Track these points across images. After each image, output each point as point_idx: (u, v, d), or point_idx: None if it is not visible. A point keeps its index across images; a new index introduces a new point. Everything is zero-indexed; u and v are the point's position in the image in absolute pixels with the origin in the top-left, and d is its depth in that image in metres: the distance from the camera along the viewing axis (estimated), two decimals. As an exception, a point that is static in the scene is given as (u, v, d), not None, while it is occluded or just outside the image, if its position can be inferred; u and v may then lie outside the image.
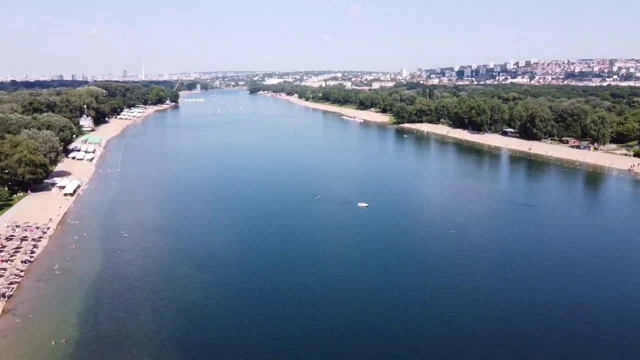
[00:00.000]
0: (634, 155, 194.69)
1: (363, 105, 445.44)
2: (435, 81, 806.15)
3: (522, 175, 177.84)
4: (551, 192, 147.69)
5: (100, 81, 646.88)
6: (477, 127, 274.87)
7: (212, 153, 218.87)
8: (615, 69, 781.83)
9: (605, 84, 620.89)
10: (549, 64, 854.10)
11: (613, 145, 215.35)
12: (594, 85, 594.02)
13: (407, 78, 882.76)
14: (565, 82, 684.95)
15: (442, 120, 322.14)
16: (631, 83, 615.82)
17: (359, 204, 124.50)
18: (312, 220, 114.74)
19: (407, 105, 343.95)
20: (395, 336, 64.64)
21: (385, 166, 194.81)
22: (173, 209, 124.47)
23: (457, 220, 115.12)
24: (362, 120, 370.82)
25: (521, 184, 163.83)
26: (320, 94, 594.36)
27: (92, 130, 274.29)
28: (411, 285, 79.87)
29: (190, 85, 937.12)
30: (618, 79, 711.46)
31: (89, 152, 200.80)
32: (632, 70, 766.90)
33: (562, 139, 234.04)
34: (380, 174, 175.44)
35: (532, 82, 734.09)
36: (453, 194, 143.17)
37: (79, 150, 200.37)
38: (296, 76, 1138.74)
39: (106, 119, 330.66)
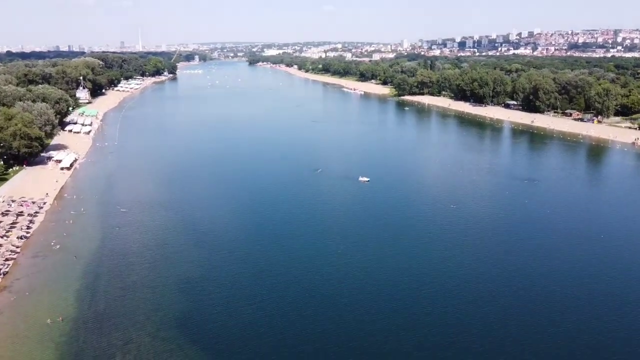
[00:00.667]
0: (638, 128, 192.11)
1: (363, 77, 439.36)
2: (437, 52, 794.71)
3: (524, 148, 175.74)
4: (554, 167, 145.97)
5: (97, 52, 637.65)
6: (479, 100, 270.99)
7: (211, 126, 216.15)
8: (619, 39, 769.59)
9: (609, 55, 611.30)
10: (552, 34, 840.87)
11: (617, 118, 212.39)
12: (597, 56, 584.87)
13: (408, 49, 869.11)
14: (568, 53, 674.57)
15: (443, 92, 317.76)
16: (635, 54, 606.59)
17: (360, 179, 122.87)
18: (313, 195, 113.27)
19: (408, 77, 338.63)
20: (395, 311, 63.89)
21: (386, 139, 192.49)
22: (172, 184, 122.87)
23: (459, 195, 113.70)
24: (362, 93, 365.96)
25: (523, 157, 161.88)
26: (320, 66, 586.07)
27: (89, 102, 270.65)
28: (412, 261, 78.83)
29: (189, 57, 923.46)
30: (622, 49, 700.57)
31: (86, 125, 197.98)
32: (636, 41, 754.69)
33: (566, 111, 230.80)
34: (382, 148, 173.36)
35: (535, 53, 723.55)
36: (454, 168, 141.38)
37: (75, 123, 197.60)
38: (296, 47, 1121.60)
39: (103, 91, 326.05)
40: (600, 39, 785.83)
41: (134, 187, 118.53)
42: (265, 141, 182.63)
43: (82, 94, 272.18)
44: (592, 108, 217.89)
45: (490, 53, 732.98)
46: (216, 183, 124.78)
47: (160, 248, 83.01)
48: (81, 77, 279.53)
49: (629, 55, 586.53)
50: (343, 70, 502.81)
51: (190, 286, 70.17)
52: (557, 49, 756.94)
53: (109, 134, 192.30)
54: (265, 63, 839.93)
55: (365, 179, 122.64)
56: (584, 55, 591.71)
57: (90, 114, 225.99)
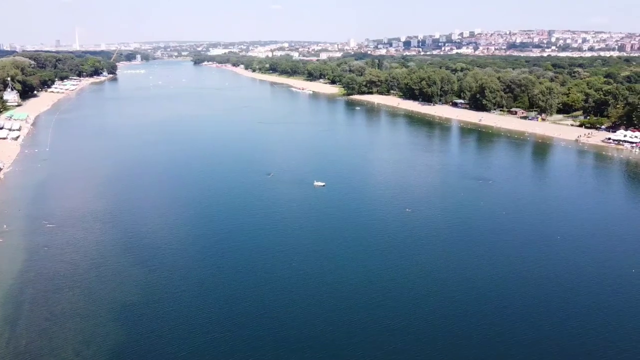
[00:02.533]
0: (580, 126, 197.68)
1: (311, 76, 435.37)
2: (383, 51, 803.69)
3: (474, 147, 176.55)
4: (505, 165, 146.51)
5: (29, 51, 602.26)
6: (427, 99, 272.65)
7: (154, 129, 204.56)
8: (553, 39, 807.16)
9: (545, 54, 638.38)
10: (492, 34, 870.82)
11: (559, 116, 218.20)
12: (535, 55, 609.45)
13: (354, 48, 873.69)
14: (507, 53, 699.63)
15: (392, 91, 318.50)
16: (568, 53, 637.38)
17: (316, 183, 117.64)
18: (267, 203, 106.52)
19: (357, 77, 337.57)
20: (353, 323, 59.11)
21: (338, 141, 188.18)
22: (110, 194, 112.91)
23: (414, 198, 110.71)
24: (311, 92, 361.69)
25: (474, 156, 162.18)
26: (267, 65, 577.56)
27: (19, 105, 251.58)
28: (371, 272, 74.38)
29: (130, 56, 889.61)
30: (556, 49, 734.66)
31: (14, 130, 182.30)
32: (568, 41, 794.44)
33: (511, 109, 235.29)
34: (334, 150, 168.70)
35: (477, 52, 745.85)
36: (408, 169, 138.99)
37: (1, 128, 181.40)
38: (242, 47, 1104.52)
39: (35, 92, 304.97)
40: (536, 39, 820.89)
41: (66, 199, 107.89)
42: (213, 145, 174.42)
43: (10, 96, 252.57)
44: (535, 106, 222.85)
45: (434, 52, 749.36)
46: (159, 191, 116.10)
47: (94, 269, 74.41)
48: (9, 78, 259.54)
49: (562, 54, 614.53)
50: (291, 69, 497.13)
51: (127, 313, 62.48)
52: (497, 49, 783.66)
53: (40, 139, 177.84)
54: (210, 63, 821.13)
55: (321, 183, 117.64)
56: (522, 55, 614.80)
57: (19, 117, 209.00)
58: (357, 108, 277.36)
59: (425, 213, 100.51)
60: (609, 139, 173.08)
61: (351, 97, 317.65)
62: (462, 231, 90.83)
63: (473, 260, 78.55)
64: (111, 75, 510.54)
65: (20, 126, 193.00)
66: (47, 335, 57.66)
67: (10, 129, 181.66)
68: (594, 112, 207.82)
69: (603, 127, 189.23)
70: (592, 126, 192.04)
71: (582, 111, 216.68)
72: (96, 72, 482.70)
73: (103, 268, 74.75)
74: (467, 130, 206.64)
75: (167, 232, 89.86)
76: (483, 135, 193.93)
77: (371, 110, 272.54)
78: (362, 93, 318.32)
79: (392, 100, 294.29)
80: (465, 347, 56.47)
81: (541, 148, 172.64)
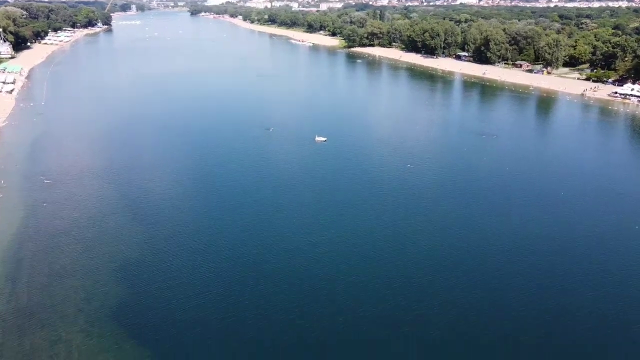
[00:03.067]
0: (586, 79, 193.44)
1: (311, 28, 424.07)
2: (384, 1, 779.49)
3: (478, 101, 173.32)
4: (509, 120, 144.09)
5: (21, 1, 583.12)
6: (430, 51, 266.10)
7: (151, 82, 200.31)
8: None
9: (552, 4, 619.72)
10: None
11: (565, 69, 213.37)
12: (541, 6, 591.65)
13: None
14: (513, 3, 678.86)
15: (394, 43, 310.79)
16: (576, 4, 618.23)
17: (317, 138, 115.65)
18: (268, 159, 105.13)
19: (358, 28, 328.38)
20: (355, 282, 59.06)
21: (339, 94, 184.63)
22: (108, 150, 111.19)
23: (416, 153, 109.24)
24: (311, 44, 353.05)
25: (478, 111, 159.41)
26: (266, 16, 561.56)
27: (12, 57, 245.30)
28: (374, 229, 73.97)
29: (125, 6, 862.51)
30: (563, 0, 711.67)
31: (8, 83, 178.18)
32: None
33: (516, 62, 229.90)
34: (335, 104, 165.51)
35: (481, 2, 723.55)
36: (410, 123, 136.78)
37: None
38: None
39: (28, 44, 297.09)
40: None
41: (64, 155, 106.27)
42: (210, 99, 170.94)
43: (3, 48, 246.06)
44: (541, 59, 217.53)
45: (437, 3, 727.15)
46: (157, 146, 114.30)
47: (93, 226, 73.80)
48: (0, 29, 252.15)
49: (570, 5, 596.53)
50: (290, 21, 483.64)
51: (128, 270, 62.23)
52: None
53: (36, 92, 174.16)
54: (208, 13, 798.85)
55: (323, 138, 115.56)
56: (528, 5, 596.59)
57: (13, 70, 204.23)
58: (359, 61, 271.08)
59: (427, 169, 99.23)
60: (616, 93, 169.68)
61: (352, 49, 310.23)
62: (465, 188, 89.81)
63: (475, 217, 77.91)
64: (106, 27, 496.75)
65: (15, 79, 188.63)
66: (48, 292, 57.55)
67: (4, 82, 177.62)
68: (601, 65, 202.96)
69: (610, 80, 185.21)
70: (599, 80, 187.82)
71: (589, 64, 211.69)
72: (90, 23, 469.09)
73: (102, 224, 74.16)
74: (471, 83, 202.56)
75: (166, 187, 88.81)
76: (487, 89, 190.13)
77: (372, 63, 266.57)
78: (363, 45, 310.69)
79: (394, 53, 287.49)
80: (465, 300, 56.51)
81: (546, 102, 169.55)
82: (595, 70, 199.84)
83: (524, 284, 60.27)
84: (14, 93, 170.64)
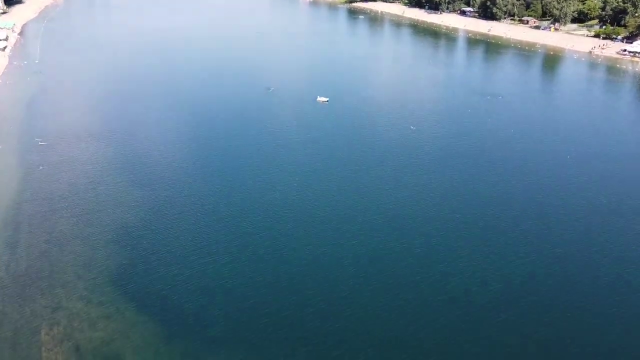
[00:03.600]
0: (595, 36, 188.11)
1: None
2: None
3: (482, 60, 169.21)
4: (514, 80, 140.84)
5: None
6: (434, 6, 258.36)
7: (147, 39, 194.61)
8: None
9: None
10: None
11: (573, 25, 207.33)
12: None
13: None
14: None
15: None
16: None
17: (319, 99, 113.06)
18: (268, 120, 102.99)
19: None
20: (358, 255, 58.57)
21: (340, 53, 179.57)
22: (104, 110, 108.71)
23: (419, 114, 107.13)
24: (311, 0, 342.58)
25: (482, 70, 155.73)
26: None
27: (3, 12, 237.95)
28: (379, 197, 72.93)
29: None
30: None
31: (0, 40, 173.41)
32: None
33: (522, 18, 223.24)
34: (337, 62, 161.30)
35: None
36: (413, 83, 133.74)
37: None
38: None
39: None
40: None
41: (59, 115, 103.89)
42: (207, 56, 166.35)
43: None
44: (549, 15, 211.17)
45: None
46: (156, 107, 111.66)
47: (91, 189, 72.64)
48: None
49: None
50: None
51: (129, 235, 61.51)
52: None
53: (29, 50, 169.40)
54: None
55: (324, 99, 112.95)
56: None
57: (5, 26, 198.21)
58: (361, 17, 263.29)
59: (430, 132, 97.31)
60: (625, 50, 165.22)
61: (353, 4, 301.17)
62: (468, 152, 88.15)
63: (479, 183, 76.68)
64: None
65: (7, 36, 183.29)
66: (47, 258, 56.94)
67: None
68: (611, 21, 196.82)
69: (619, 37, 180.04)
70: (608, 37, 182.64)
71: (597, 20, 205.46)
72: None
73: (100, 188, 73.00)
74: (475, 41, 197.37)
75: (165, 149, 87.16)
76: (492, 47, 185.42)
77: (374, 20, 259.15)
78: (365, 0, 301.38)
79: (397, 8, 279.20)
80: (465, 267, 56.05)
81: (552, 61, 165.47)
82: (604, 27, 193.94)
83: (536, 257, 59.67)
84: (7, 50, 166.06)
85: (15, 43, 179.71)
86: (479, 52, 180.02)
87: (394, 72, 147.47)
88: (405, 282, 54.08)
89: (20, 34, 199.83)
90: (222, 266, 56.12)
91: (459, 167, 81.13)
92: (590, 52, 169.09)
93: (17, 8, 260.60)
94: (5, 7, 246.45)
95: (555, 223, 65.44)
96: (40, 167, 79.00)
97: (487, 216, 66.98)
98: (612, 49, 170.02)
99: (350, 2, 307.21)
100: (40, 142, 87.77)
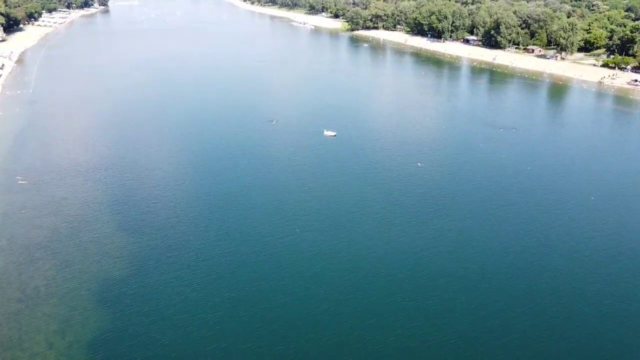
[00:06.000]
0: (603, 66, 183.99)
1: (313, 9, 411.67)
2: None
3: (490, 90, 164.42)
4: (525, 111, 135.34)
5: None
6: (437, 35, 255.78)
7: (146, 69, 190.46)
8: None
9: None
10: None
11: (580, 54, 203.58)
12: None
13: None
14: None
15: (399, 26, 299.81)
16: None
17: (326, 132, 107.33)
18: (274, 155, 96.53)
19: (362, 10, 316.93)
20: (364, 294, 51.93)
21: (343, 83, 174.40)
22: (97, 145, 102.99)
23: (428, 149, 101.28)
24: (313, 27, 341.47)
25: (491, 100, 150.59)
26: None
27: (3, 40, 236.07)
28: (393, 244, 66.52)
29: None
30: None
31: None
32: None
33: (527, 47, 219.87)
34: (340, 93, 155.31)
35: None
36: (422, 115, 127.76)
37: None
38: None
39: (20, 26, 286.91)
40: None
41: (47, 151, 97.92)
42: (208, 87, 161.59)
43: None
44: (554, 44, 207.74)
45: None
46: (151, 141, 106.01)
47: (75, 236, 66.22)
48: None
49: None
50: (291, 2, 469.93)
51: (110, 291, 54.95)
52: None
53: (25, 79, 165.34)
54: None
55: (332, 133, 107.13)
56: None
57: (2, 54, 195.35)
58: (365, 45, 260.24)
59: (440, 168, 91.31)
60: (636, 80, 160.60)
61: (355, 32, 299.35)
62: (483, 191, 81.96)
63: (497, 228, 70.30)
64: (103, 7, 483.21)
65: (3, 64, 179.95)
66: (17, 321, 50.34)
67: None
68: (619, 50, 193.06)
69: (628, 67, 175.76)
70: (617, 66, 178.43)
71: (604, 49, 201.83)
72: (87, 4, 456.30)
73: (85, 235, 66.66)
74: (480, 70, 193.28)
75: (159, 189, 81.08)
76: (497, 76, 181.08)
77: (377, 48, 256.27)
78: (367, 28, 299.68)
79: (399, 37, 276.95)
80: (484, 325, 49.34)
81: (562, 91, 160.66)
82: (613, 56, 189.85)
83: (554, 307, 52.99)
84: (1, 79, 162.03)
85: (11, 72, 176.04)
86: (485, 81, 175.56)
87: (401, 103, 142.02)
88: (419, 347, 47.29)
89: (18, 62, 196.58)
90: (220, 328, 49.37)
91: (474, 211, 74.78)
92: (600, 82, 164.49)
93: (17, 36, 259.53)
94: (4, 35, 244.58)
95: (592, 279, 58.83)
96: (23, 211, 72.61)
97: (507, 267, 60.39)
98: (622, 79, 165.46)
99: (352, 30, 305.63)
100: (21, 180, 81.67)
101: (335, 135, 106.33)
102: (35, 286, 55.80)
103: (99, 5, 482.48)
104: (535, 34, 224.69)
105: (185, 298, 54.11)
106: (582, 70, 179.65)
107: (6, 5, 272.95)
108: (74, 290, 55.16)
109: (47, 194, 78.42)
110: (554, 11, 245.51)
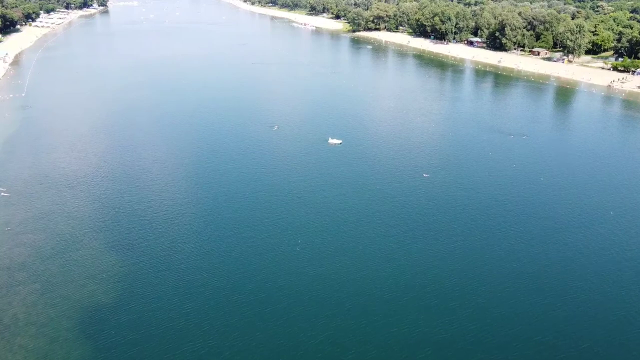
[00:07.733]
0: (612, 69, 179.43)
1: (314, 10, 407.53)
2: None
3: (497, 94, 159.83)
4: (535, 117, 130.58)
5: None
6: (440, 36, 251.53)
7: (143, 71, 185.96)
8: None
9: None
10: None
11: (587, 57, 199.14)
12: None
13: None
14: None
15: (401, 27, 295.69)
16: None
17: (331, 140, 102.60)
18: (275, 165, 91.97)
19: (363, 11, 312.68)
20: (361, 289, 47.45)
21: (346, 87, 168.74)
22: (89, 153, 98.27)
23: (437, 159, 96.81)
24: (314, 28, 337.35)
25: (498, 105, 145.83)
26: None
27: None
28: (401, 257, 62.06)
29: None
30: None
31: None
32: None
33: (533, 49, 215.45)
34: (342, 98, 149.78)
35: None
36: (429, 121, 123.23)
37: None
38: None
39: (17, 27, 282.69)
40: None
41: (36, 159, 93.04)
42: (207, 91, 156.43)
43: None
44: (560, 46, 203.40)
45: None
46: (145, 148, 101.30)
47: (59, 256, 61.63)
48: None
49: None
50: (292, 2, 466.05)
51: (95, 320, 50.46)
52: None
53: (18, 82, 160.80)
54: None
55: (337, 141, 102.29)
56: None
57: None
58: (367, 46, 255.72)
59: (448, 179, 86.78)
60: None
61: (357, 33, 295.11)
62: (493, 205, 77.48)
63: (511, 246, 65.83)
64: (102, 8, 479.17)
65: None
66: (-9, 354, 45.94)
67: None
68: (628, 53, 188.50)
69: (638, 70, 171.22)
70: (626, 69, 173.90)
71: (612, 52, 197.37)
72: (85, 4, 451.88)
73: (70, 254, 62.11)
74: (485, 72, 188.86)
75: (153, 203, 76.41)
76: (503, 79, 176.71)
77: (379, 49, 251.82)
78: (369, 29, 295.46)
79: (402, 38, 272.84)
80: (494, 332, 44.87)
81: (570, 95, 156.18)
82: (622, 59, 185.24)
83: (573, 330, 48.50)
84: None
85: (5, 74, 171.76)
86: (491, 84, 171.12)
87: (405, 108, 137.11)
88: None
89: (13, 64, 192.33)
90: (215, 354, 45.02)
91: (484, 227, 70.30)
92: (609, 85, 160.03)
93: (14, 37, 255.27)
94: (0, 36, 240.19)
95: (605, 302, 54.34)
96: (7, 228, 68.00)
97: (523, 291, 55.88)
98: (632, 82, 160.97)
99: (354, 31, 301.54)
100: (4, 192, 77.17)
101: (341, 143, 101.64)
102: (12, 314, 51.30)
103: (98, 5, 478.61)
104: (541, 35, 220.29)
105: (175, 326, 49.69)
106: (590, 74, 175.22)
107: (2, 6, 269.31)
108: (55, 319, 50.65)
109: (31, 207, 73.94)
110: (559, 12, 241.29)
